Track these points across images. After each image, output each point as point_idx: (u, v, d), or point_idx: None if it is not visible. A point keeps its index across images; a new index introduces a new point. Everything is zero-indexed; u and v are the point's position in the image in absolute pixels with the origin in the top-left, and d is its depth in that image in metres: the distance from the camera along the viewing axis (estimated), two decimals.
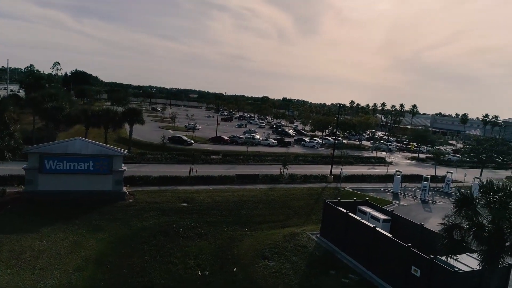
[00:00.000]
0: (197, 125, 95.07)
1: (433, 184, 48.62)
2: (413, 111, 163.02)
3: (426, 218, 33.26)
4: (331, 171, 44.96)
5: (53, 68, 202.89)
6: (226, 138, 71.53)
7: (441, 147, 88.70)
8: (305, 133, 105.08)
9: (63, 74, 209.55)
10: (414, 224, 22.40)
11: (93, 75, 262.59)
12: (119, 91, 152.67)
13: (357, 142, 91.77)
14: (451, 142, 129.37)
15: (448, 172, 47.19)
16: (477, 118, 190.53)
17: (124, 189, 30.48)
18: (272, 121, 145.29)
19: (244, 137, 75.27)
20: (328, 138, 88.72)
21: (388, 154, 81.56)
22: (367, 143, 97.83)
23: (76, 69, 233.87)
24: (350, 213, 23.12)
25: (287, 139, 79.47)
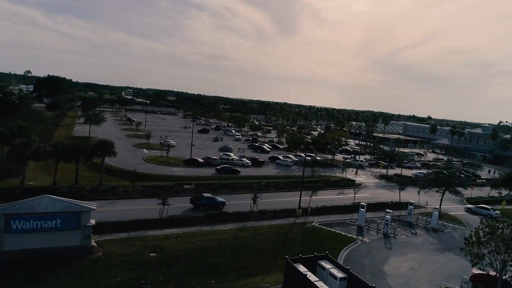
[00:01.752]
0: (172, 142, 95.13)
1: (397, 212, 51.10)
2: (386, 120, 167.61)
3: (385, 258, 35.16)
4: (299, 204, 46.42)
5: (24, 74, 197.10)
6: (200, 160, 72.07)
7: (411, 158, 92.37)
8: (281, 147, 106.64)
9: (34, 82, 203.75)
10: (367, 285, 23.92)
11: (67, 78, 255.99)
12: (92, 101, 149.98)
13: (330, 157, 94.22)
14: (420, 152, 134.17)
15: (410, 202, 49.56)
16: (447, 124, 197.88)
17: (93, 241, 30.86)
18: (249, 132, 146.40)
19: (218, 158, 75.97)
20: (302, 155, 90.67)
21: (358, 171, 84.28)
22: (340, 157, 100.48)
23: (48, 75, 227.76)
24: (308, 276, 24.44)
25: (261, 159, 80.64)
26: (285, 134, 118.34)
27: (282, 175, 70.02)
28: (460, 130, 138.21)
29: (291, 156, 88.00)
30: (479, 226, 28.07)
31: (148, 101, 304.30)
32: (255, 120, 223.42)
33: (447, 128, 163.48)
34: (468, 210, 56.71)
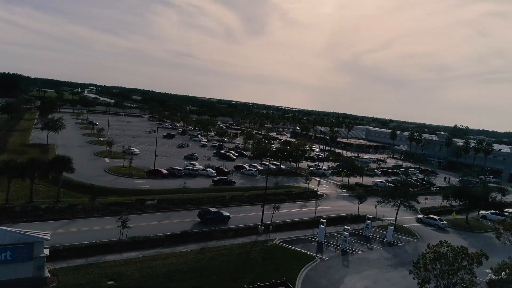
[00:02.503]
0: (135, 150, 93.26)
1: (356, 226, 53.10)
2: (349, 126, 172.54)
3: (342, 277, 36.52)
4: (261, 221, 47.07)
5: None
6: (164, 171, 71.13)
7: (370, 165, 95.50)
8: (247, 154, 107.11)
9: None
10: None
11: (24, 74, 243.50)
12: (51, 104, 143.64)
13: (295, 165, 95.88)
14: (380, 158, 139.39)
15: (367, 216, 51.67)
16: (406, 128, 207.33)
17: (46, 272, 29.84)
18: (215, 136, 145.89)
19: (183, 168, 75.33)
20: (267, 163, 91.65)
21: (321, 180, 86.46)
22: (305, 164, 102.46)
23: (4, 72, 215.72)
24: None
25: (226, 168, 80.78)
26: (250, 141, 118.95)
27: (247, 186, 70.56)
28: (417, 137, 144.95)
29: (256, 165, 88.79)
30: (426, 250, 29.85)
31: (112, 101, 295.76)
32: (222, 124, 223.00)
33: (406, 133, 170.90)
34: (419, 220, 59.83)
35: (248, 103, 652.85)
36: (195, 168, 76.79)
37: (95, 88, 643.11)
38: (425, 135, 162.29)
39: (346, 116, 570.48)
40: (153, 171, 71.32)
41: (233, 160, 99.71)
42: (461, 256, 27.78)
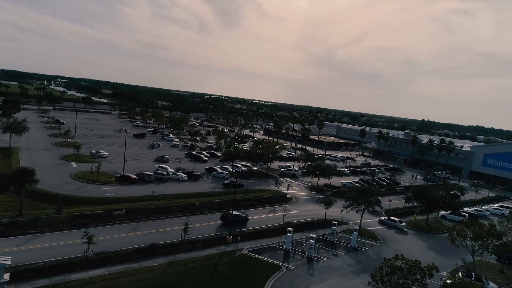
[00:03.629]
0: (104, 153, 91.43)
1: (322, 231, 54.87)
2: (320, 124, 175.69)
3: (306, 287, 37.90)
4: (230, 230, 47.76)
5: None
6: (133, 177, 70.33)
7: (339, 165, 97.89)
8: (219, 154, 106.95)
9: None
10: None
11: None
12: (14, 102, 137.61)
13: (267, 165, 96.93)
14: (350, 156, 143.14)
15: (333, 222, 53.51)
16: (376, 124, 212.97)
17: None
18: (187, 135, 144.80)
19: (153, 173, 74.72)
20: (238, 165, 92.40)
21: (292, 181, 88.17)
22: (277, 164, 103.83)
23: None
24: None
25: (197, 172, 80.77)
26: (223, 141, 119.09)
27: (217, 191, 70.93)
28: (385, 135, 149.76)
29: (228, 167, 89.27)
30: (383, 263, 31.55)
31: (81, 95, 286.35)
32: (195, 121, 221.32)
33: (375, 131, 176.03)
34: (381, 222, 62.44)
35: (223, 96, 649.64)
36: (165, 172, 76.31)
37: (62, 80, 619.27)
38: (392, 133, 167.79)
39: (319, 110, 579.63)
40: (122, 176, 70.38)
41: (205, 161, 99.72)
42: (414, 269, 29.59)
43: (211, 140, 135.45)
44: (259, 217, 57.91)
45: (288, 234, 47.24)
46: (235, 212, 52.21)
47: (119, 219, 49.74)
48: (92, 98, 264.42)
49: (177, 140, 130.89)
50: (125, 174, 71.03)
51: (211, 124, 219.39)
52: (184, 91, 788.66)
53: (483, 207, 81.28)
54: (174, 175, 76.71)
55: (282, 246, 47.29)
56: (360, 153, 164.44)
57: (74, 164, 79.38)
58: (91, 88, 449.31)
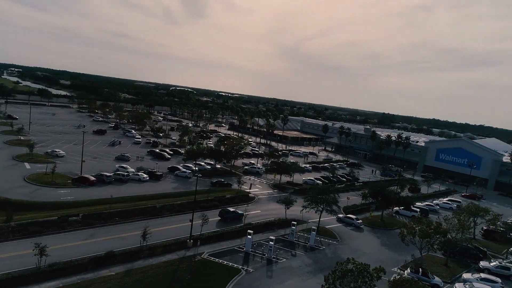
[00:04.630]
0: (61, 152, 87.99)
1: (283, 231, 56.24)
2: (285, 119, 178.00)
3: None
4: (190, 233, 47.84)
5: None
6: (91, 178, 68.32)
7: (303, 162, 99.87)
8: (182, 152, 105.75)
9: None
10: None
11: None
12: None
13: (230, 163, 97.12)
14: (313, 151, 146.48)
15: (292, 222, 55.04)
16: (340, 118, 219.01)
17: None
18: (150, 131, 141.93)
19: (112, 174, 72.93)
20: (202, 164, 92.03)
21: (255, 179, 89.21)
22: (240, 162, 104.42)
23: None
24: None
25: (159, 172, 79.69)
26: (186, 138, 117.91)
27: (180, 191, 70.42)
28: (346, 130, 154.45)
29: (191, 165, 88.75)
30: (336, 267, 33.05)
31: (37, 87, 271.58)
32: (158, 115, 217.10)
33: (338, 126, 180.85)
34: (339, 220, 64.88)
35: (189, 88, 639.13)
36: (125, 173, 74.77)
37: (16, 70, 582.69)
38: (353, 128, 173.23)
39: (284, 103, 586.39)
40: (79, 178, 68.18)
41: (168, 159, 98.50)
42: (363, 273, 31.29)
43: (175, 136, 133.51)
44: (220, 219, 58.28)
45: (248, 236, 48.06)
46: (231, 209, 59.48)
47: (75, 226, 48.35)
48: (49, 89, 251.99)
49: (139, 136, 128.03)
50: (83, 176, 68.86)
51: (176, 118, 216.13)
52: (148, 82, 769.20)
53: (434, 202, 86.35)
54: (135, 175, 75.31)
55: (243, 249, 48.08)
56: (323, 148, 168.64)
57: (27, 165, 75.82)
58: (48, 78, 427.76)
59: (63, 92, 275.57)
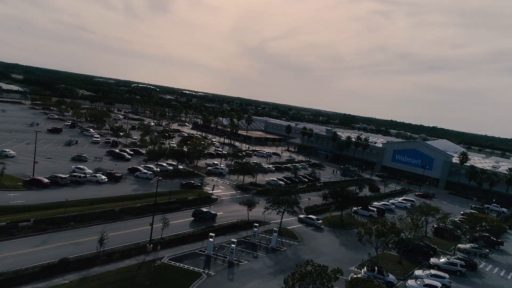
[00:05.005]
0: (11, 152, 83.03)
1: (245, 233, 56.52)
2: (249, 119, 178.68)
3: None
4: (150, 237, 46.86)
5: None
6: (45, 180, 64.96)
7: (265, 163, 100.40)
8: (143, 152, 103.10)
9: None
10: None
11: None
12: None
13: (193, 164, 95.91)
14: (276, 152, 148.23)
15: (254, 224, 55.47)
16: (304, 118, 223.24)
17: None
18: (109, 130, 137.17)
19: (68, 175, 69.78)
20: (164, 164, 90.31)
21: (218, 180, 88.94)
22: (203, 162, 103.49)
23: None
24: None
25: (118, 173, 77.23)
26: (148, 137, 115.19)
27: (140, 193, 68.72)
28: (308, 131, 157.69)
29: (152, 166, 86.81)
30: (295, 269, 33.74)
31: None
32: (119, 113, 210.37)
33: (301, 126, 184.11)
34: (300, 220, 66.20)
35: (151, 85, 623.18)
36: (82, 174, 71.85)
37: None
38: (315, 129, 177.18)
39: (249, 103, 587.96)
40: (31, 180, 64.60)
41: (128, 160, 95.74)
42: (321, 275, 32.19)
43: (136, 136, 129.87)
44: (182, 221, 57.61)
45: (210, 239, 47.84)
46: (204, 209, 61.32)
47: (26, 232, 45.74)
48: None
49: (98, 135, 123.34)
50: (35, 178, 65.28)
51: (137, 117, 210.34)
52: (109, 78, 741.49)
53: (390, 201, 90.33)
54: (92, 177, 72.56)
55: (204, 252, 47.78)
56: (286, 148, 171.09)
57: None
58: None
59: (14, 87, 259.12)
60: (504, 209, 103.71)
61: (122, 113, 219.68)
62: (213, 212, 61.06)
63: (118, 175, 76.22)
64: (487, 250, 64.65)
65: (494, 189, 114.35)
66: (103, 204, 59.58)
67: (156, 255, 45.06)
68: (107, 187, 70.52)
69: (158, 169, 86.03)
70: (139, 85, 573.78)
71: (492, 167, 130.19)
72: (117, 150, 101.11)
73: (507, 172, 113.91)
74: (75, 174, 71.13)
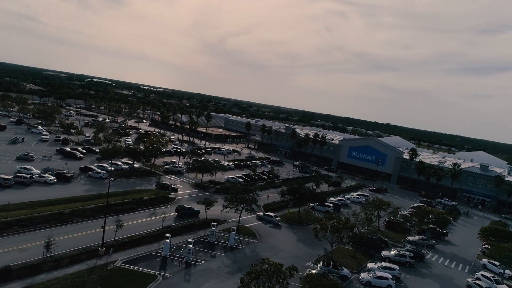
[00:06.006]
0: None
1: (202, 232, 55.90)
2: (208, 116, 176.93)
3: None
4: (103, 240, 44.95)
5: None
6: None
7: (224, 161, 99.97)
8: (97, 150, 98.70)
9: None
10: None
11: None
12: None
13: (150, 162, 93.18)
14: (236, 149, 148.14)
15: (212, 223, 55.02)
16: (264, 115, 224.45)
17: None
18: (59, 128, 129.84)
19: (12, 177, 65.15)
20: (119, 163, 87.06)
21: (176, 179, 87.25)
22: (161, 160, 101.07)
23: None
24: None
25: (69, 173, 73.35)
26: (102, 135, 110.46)
27: (92, 194, 65.70)
28: (268, 128, 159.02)
29: (106, 165, 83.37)
30: (251, 268, 33.81)
31: None
32: (70, 109, 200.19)
33: (261, 123, 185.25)
34: (258, 218, 66.65)
35: (107, 80, 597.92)
36: (28, 175, 67.43)
37: None
38: (275, 126, 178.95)
39: (209, 99, 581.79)
40: None
41: (80, 159, 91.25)
42: (276, 273, 32.52)
43: (89, 133, 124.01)
44: (137, 222, 55.85)
45: (166, 240, 46.76)
46: (187, 206, 62.67)
47: None
48: None
49: (47, 133, 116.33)
50: None
51: (91, 113, 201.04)
52: (60, 72, 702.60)
53: (346, 196, 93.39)
54: (40, 177, 68.34)
55: (160, 253, 46.65)
56: (246, 145, 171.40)
57: None
58: None
59: None
60: (454, 203, 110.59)
61: (75, 109, 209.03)
62: (196, 209, 62.20)
63: (69, 175, 72.36)
64: (434, 241, 68.76)
65: (441, 183, 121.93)
66: (51, 206, 56.24)
67: (108, 258, 43.32)
68: (56, 188, 66.73)
69: (112, 168, 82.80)
70: (93, 79, 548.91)
71: (439, 162, 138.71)
72: (68, 149, 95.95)
73: (451, 167, 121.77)
74: (20, 174, 66.62)
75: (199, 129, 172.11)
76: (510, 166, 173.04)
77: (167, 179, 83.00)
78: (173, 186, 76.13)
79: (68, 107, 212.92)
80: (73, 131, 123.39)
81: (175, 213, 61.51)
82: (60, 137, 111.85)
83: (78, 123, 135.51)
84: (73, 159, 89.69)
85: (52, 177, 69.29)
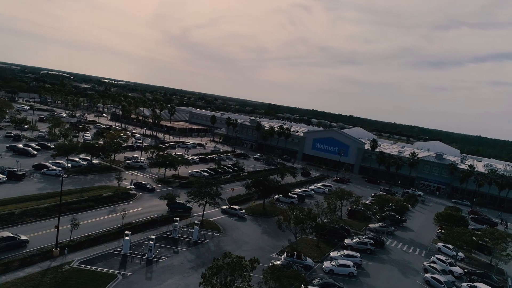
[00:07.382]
0: None
1: (165, 228, 54.64)
2: (172, 109, 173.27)
3: None
4: (57, 240, 42.68)
5: None
6: None
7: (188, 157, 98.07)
8: (52, 146, 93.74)
9: None
10: None
11: None
12: None
13: (110, 158, 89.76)
14: (201, 143, 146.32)
15: (175, 218, 53.85)
16: (230, 108, 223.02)
17: None
18: (10, 123, 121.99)
19: None
20: (76, 159, 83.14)
21: (138, 174, 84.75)
22: (122, 156, 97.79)
23: None
24: None
25: (21, 171, 69.11)
26: (57, 130, 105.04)
27: (47, 193, 62.23)
28: (233, 122, 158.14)
29: (62, 162, 79.38)
30: (213, 263, 33.29)
31: None
32: (24, 104, 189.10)
33: (225, 117, 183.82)
34: (223, 211, 66.18)
35: (64, 72, 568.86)
36: None
37: None
38: (240, 119, 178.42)
39: (173, 92, 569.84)
40: None
41: (34, 156, 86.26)
42: (238, 266, 32.21)
43: (44, 128, 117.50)
44: (95, 220, 53.54)
45: (126, 237, 45.21)
46: (179, 201, 62.24)
47: None
48: None
49: None
50: None
51: (46, 107, 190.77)
52: (12, 64, 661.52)
53: (310, 187, 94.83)
54: None
55: (120, 251, 45.05)
56: (211, 139, 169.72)
57: None
58: None
59: None
60: (420, 192, 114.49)
61: (28, 103, 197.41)
62: (188, 205, 61.26)
63: (20, 173, 68.12)
64: (393, 228, 71.42)
65: (400, 172, 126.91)
66: (0, 206, 52.71)
67: (64, 259, 41.20)
68: (7, 187, 62.53)
69: (69, 165, 78.99)
70: (49, 72, 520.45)
71: (398, 152, 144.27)
72: (20, 145, 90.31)
73: (409, 156, 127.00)
74: None
75: (162, 123, 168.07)
76: (463, 154, 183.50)
77: (128, 175, 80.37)
78: (148, 187, 72.78)
79: (21, 102, 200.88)
80: (25, 126, 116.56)
81: (167, 207, 61.95)
82: (11, 133, 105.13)
83: (32, 118, 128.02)
84: (26, 156, 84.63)
85: (1, 176, 64.91)
